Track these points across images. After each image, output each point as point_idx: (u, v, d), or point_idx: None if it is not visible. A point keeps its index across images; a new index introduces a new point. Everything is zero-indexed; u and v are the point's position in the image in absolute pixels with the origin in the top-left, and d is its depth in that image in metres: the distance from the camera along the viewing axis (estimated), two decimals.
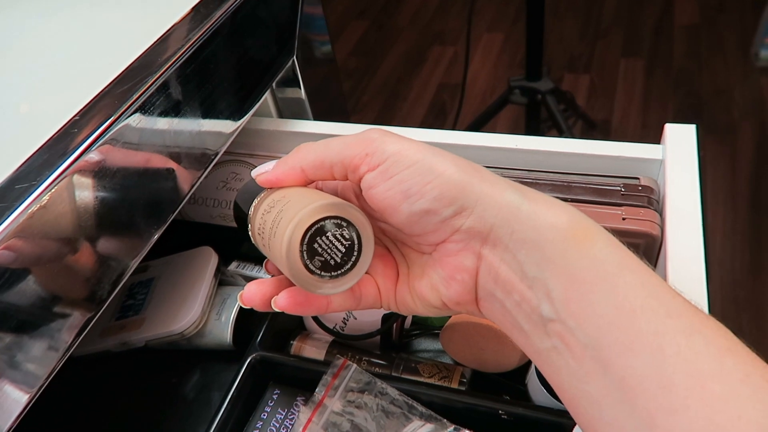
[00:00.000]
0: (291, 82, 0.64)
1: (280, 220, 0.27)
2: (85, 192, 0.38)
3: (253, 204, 0.32)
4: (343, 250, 0.26)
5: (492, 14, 2.23)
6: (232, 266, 0.61)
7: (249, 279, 0.60)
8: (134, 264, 0.42)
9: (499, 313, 0.27)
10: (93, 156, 0.37)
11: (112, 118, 0.39)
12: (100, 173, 0.38)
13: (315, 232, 0.26)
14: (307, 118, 0.67)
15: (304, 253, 0.26)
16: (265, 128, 0.62)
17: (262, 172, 0.32)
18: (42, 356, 0.36)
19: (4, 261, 0.32)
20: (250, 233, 0.32)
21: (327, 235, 0.26)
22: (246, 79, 0.53)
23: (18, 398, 0.35)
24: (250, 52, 0.54)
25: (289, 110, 0.67)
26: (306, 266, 0.26)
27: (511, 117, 1.69)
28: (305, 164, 0.30)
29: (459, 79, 2.02)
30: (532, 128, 1.35)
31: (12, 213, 0.33)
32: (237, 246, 0.62)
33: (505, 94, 1.33)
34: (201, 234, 0.63)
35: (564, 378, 0.25)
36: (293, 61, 0.61)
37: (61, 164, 0.36)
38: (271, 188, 0.32)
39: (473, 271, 0.27)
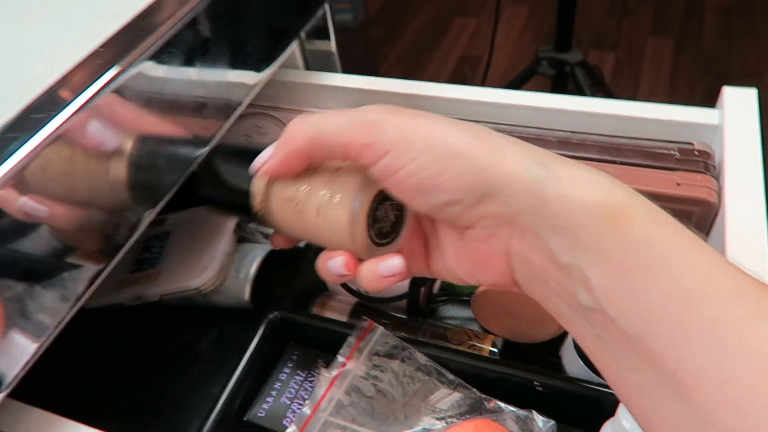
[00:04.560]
0: (321, 33, 0.61)
1: (339, 192, 0.27)
2: (102, 131, 0.35)
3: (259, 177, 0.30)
4: (394, 219, 0.28)
5: None
6: (253, 223, 0.58)
7: (269, 236, 0.58)
8: (150, 214, 0.39)
9: (540, 297, 0.25)
10: (113, 91, 0.34)
11: (135, 51, 0.36)
12: (120, 111, 0.36)
13: (378, 202, 0.27)
14: (336, 72, 0.64)
15: (370, 219, 0.27)
16: (292, 80, 0.59)
17: (261, 163, 0.29)
18: (52, 305, 0.34)
19: (17, 193, 0.30)
20: (257, 205, 0.30)
21: (385, 204, 0.27)
22: (275, 24, 0.50)
23: (26, 346, 0.33)
24: None
25: (316, 63, 0.64)
26: (369, 234, 0.27)
27: (533, 90, 1.64)
28: (298, 149, 0.27)
29: (480, 51, 1.97)
30: None
31: (27, 141, 0.30)
32: None
33: (533, 65, 1.29)
34: None
35: (612, 367, 0.23)
36: (325, 10, 0.58)
37: (80, 95, 0.33)
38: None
39: (506, 258, 0.25)
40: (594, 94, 1.25)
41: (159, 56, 0.37)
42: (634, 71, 1.78)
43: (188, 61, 0.40)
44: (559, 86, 1.30)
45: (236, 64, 0.46)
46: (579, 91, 1.23)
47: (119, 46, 0.36)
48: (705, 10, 1.97)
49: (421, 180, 0.24)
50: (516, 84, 1.33)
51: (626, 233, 0.21)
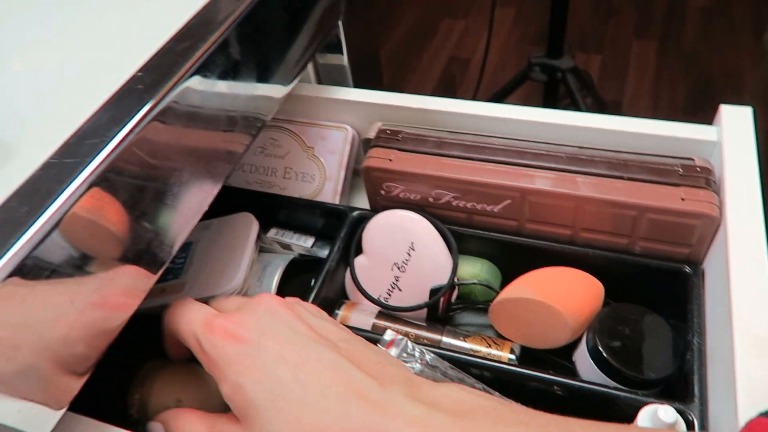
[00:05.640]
0: (333, 47, 0.63)
1: None
2: (152, 150, 0.37)
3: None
4: None
5: None
6: (271, 233, 0.60)
7: (287, 246, 0.60)
8: (192, 226, 0.41)
9: None
10: (161, 112, 0.36)
11: (177, 75, 0.38)
12: (166, 131, 0.38)
13: None
14: (347, 86, 0.66)
15: None
16: (305, 94, 0.61)
17: None
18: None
19: (81, 217, 0.32)
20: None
21: None
22: (297, 41, 0.52)
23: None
24: (302, 12, 0.52)
25: (328, 77, 0.66)
26: None
27: (523, 95, 1.67)
28: None
29: (469, 53, 2.00)
30: (549, 106, 1.34)
31: (86, 167, 0.32)
32: (274, 213, 0.61)
33: (525, 70, 1.32)
34: (237, 199, 0.62)
35: None
36: (339, 24, 0.60)
37: (131, 119, 0.35)
38: None
39: None
40: (584, 99, 1.29)
41: (203, 71, 0.39)
42: (620, 73, 1.83)
43: (228, 76, 0.42)
44: (550, 91, 1.33)
45: (267, 77, 0.48)
46: (570, 96, 1.27)
47: (159, 67, 0.38)
48: (686, 10, 2.02)
49: None
50: (509, 89, 1.36)
51: None
